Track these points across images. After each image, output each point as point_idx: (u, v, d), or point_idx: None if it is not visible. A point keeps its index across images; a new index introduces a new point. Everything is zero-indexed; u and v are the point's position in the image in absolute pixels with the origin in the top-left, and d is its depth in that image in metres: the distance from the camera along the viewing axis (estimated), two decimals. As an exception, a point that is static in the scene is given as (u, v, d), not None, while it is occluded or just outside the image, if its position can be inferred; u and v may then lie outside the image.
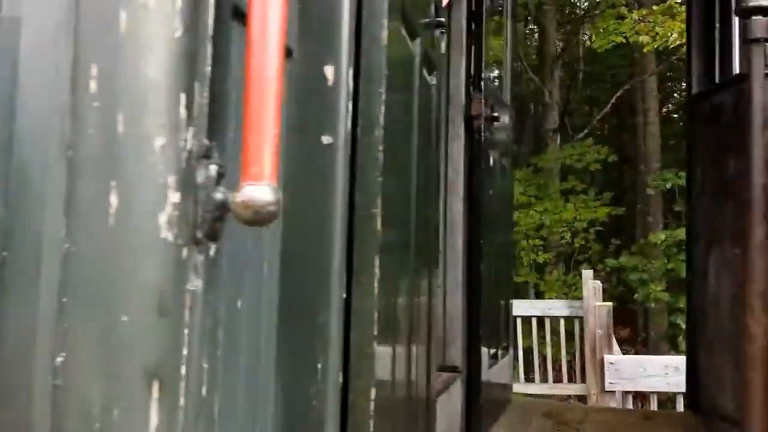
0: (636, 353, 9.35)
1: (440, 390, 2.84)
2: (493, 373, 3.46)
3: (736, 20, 3.65)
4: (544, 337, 7.23)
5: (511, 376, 3.99)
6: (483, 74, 3.40)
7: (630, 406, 6.06)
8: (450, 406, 3.01)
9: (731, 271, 2.84)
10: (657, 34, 9.71)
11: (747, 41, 2.22)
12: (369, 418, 1.45)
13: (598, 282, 7.40)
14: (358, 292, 1.41)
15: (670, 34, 9.49)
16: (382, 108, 1.45)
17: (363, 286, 1.42)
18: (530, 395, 7.42)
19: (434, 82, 2.25)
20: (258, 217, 0.78)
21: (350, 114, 1.35)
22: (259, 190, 0.76)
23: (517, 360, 6.98)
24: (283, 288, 1.30)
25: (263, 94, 0.79)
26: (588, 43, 11.17)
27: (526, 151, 14.60)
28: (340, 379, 1.34)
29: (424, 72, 2.08)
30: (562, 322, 7.15)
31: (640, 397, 6.59)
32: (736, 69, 3.59)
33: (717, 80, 3.54)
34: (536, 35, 14.70)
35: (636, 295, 9.78)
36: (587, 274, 7.36)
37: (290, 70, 1.25)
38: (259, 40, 0.79)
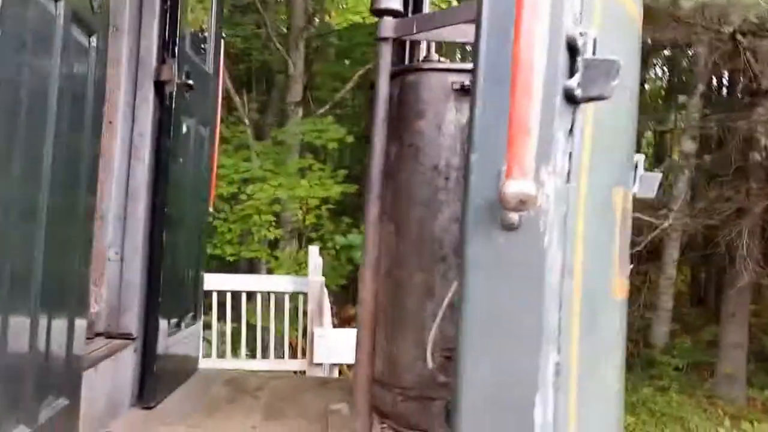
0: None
1: (102, 356, 2.99)
2: (175, 341, 3.65)
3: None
4: (269, 313, 7.40)
5: (198, 347, 4.21)
6: (178, 39, 3.54)
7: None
8: (117, 373, 3.17)
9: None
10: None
11: (377, 39, 2.61)
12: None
13: (320, 258, 7.77)
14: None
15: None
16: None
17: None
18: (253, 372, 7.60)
19: (94, 44, 2.39)
20: None
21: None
22: None
23: (240, 336, 7.05)
24: None
25: None
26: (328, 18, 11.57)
27: (270, 123, 14.82)
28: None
29: (75, 34, 2.21)
30: (287, 298, 7.36)
31: (347, 368, 7.07)
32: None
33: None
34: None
35: (361, 273, 10.30)
36: (313, 250, 7.65)
37: None
38: None
